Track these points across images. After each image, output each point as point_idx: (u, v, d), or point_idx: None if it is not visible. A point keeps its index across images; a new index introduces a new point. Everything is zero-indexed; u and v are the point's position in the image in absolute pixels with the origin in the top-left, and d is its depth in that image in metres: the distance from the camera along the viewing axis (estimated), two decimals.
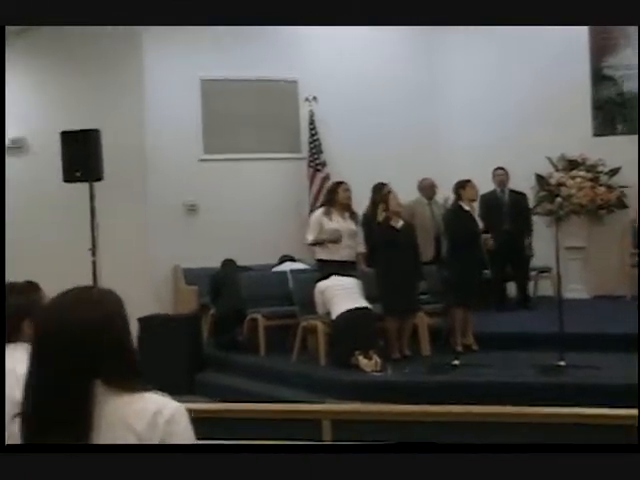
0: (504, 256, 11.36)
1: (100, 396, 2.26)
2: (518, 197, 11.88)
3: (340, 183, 10.20)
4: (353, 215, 10.11)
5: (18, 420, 2.36)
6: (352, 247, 9.96)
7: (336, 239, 9.72)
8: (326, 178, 12.29)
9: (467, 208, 9.68)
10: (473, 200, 9.88)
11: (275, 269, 11.20)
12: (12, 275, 3.78)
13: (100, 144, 10.24)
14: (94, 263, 10.69)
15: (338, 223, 9.85)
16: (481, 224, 9.85)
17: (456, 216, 9.74)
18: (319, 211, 10.13)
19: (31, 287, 3.64)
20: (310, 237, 9.95)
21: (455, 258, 9.54)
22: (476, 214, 9.95)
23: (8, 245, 11.02)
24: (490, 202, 11.53)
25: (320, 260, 10.01)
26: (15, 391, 3.33)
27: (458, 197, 9.74)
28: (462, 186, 9.73)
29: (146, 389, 2.32)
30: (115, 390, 2.28)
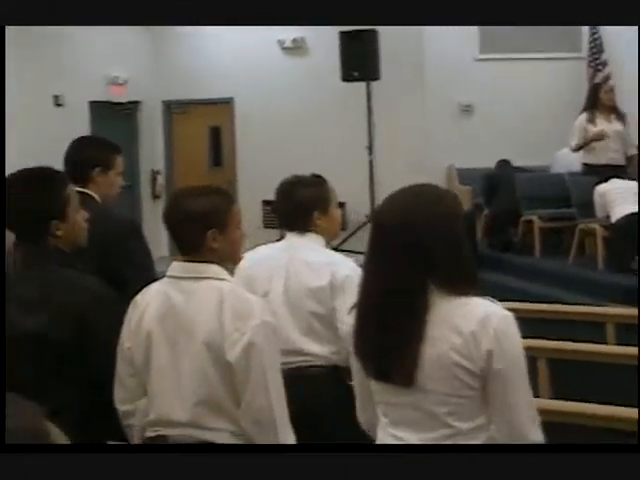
0: None
1: (431, 297, 2.27)
2: None
3: (600, 84, 9.71)
4: (620, 116, 9.60)
5: (354, 312, 2.43)
6: (619, 150, 9.50)
7: (600, 138, 9.32)
8: (607, 78, 11.72)
9: None
10: None
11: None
12: (293, 170, 3.91)
13: (378, 44, 10.32)
14: (370, 162, 10.91)
15: (602, 126, 9.42)
16: None
17: None
18: (582, 116, 9.71)
19: (318, 180, 3.76)
20: (573, 143, 9.61)
21: None
22: None
23: (289, 143, 11.45)
24: None
25: (586, 164, 9.66)
26: (309, 279, 3.51)
27: None
28: None
29: (476, 294, 2.31)
30: (447, 293, 2.27)
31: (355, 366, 2.50)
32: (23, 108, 10.94)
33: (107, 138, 4.07)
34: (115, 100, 12.32)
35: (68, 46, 10.55)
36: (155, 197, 12.81)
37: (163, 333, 2.74)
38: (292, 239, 3.64)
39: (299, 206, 3.60)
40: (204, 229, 2.73)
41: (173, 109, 13.01)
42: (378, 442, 2.46)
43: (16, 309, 2.74)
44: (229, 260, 2.89)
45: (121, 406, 2.83)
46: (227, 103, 12.50)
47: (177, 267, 2.79)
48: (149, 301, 2.80)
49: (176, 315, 2.73)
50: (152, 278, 3.24)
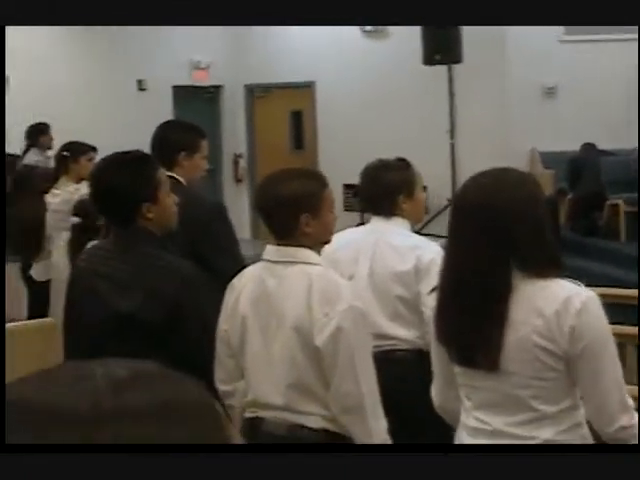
0: None
1: (514, 280, 2.26)
2: None
3: None
4: None
5: (435, 293, 2.45)
6: None
7: None
8: None
9: None
10: None
11: None
12: (374, 154, 3.90)
13: (460, 27, 10.21)
14: (452, 146, 10.83)
15: None
16: None
17: None
18: None
19: (403, 164, 3.74)
20: None
21: None
22: None
23: (370, 126, 11.42)
24: None
25: None
26: (395, 262, 3.51)
27: None
28: None
29: (559, 276, 2.29)
30: (529, 275, 2.26)
31: (435, 349, 2.49)
32: (108, 93, 11.14)
33: (191, 122, 4.11)
34: (197, 84, 12.46)
35: (151, 31, 10.67)
36: (237, 181, 12.93)
37: (256, 317, 2.77)
38: (377, 223, 3.64)
39: (385, 190, 3.59)
40: (297, 213, 2.73)
41: (255, 93, 13.09)
42: (461, 425, 2.46)
43: (109, 290, 2.80)
44: (321, 243, 2.89)
45: (221, 386, 2.87)
46: (308, 87, 12.52)
47: (271, 251, 2.80)
48: (244, 284, 2.82)
49: (268, 299, 2.75)
50: (237, 262, 3.27)
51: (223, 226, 3.51)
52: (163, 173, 2.96)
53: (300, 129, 12.90)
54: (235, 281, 2.87)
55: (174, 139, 3.72)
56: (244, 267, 3.40)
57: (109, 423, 0.80)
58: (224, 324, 2.84)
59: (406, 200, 3.61)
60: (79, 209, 5.46)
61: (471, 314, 2.29)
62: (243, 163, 12.97)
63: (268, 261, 2.80)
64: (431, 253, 3.45)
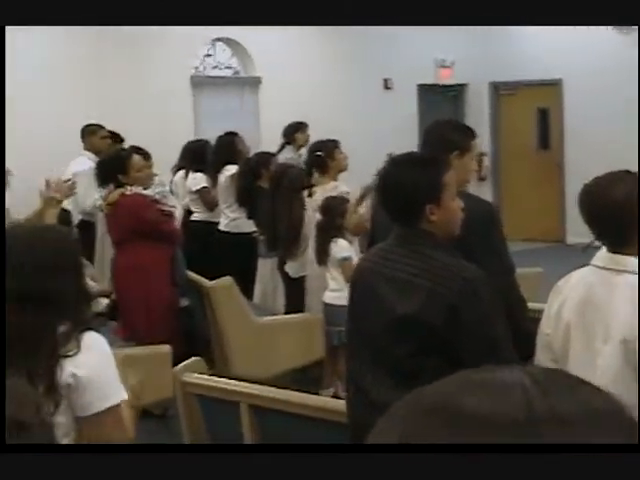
0: None
1: None
2: None
3: None
4: None
5: None
6: None
7: None
8: None
9: None
10: None
11: None
12: (623, 154, 3.75)
13: None
14: None
15: None
16: None
17: None
18: None
19: None
20: None
21: None
22: None
23: (618, 127, 10.99)
24: None
25: None
26: None
27: None
28: None
29: None
30: None
31: None
32: (355, 91, 11.37)
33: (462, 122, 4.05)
34: (442, 83, 12.48)
35: (397, 31, 10.79)
36: (481, 179, 12.87)
37: (581, 324, 2.68)
38: None
39: None
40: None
41: (500, 91, 12.94)
42: None
43: (389, 291, 2.83)
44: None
45: None
46: (556, 84, 12.24)
47: (603, 257, 2.70)
48: (571, 289, 2.74)
49: (595, 307, 2.66)
50: (508, 265, 3.23)
51: (496, 228, 3.47)
52: (451, 176, 2.91)
53: (546, 128, 12.62)
54: (560, 284, 2.80)
55: (448, 138, 3.68)
56: (513, 270, 3.34)
57: (540, 428, 0.77)
58: (547, 328, 2.77)
59: None
60: (323, 208, 5.60)
61: None
62: (487, 161, 12.87)
63: (597, 267, 2.71)
64: None
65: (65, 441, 2.46)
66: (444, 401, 0.77)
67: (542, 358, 2.79)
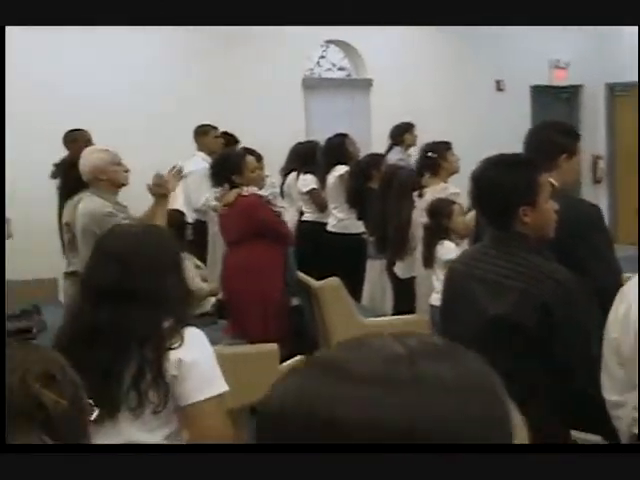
0: None
1: None
2: None
3: None
4: None
5: None
6: None
7: None
8: None
9: None
10: None
11: None
12: None
13: None
14: None
15: None
16: None
17: None
18: None
19: None
20: None
21: None
22: None
23: None
24: None
25: None
26: None
27: None
28: None
29: None
30: None
31: None
32: (467, 92, 11.28)
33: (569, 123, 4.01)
34: (556, 84, 12.27)
35: (510, 32, 10.66)
36: (596, 182, 12.62)
37: None
38: None
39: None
40: None
41: (616, 92, 12.65)
42: None
43: (482, 292, 2.82)
44: None
45: (609, 395, 2.76)
46: None
47: None
48: (636, 294, 2.68)
49: None
50: (613, 268, 3.17)
51: (602, 234, 3.41)
52: (545, 178, 2.90)
53: None
54: (625, 287, 2.77)
55: (556, 141, 3.64)
56: (619, 274, 3.28)
57: (402, 390, 0.85)
58: (613, 332, 2.73)
59: None
60: (430, 210, 5.57)
61: None
62: (602, 164, 12.61)
63: None
64: None
65: (165, 430, 2.56)
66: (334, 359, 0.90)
67: (609, 361, 2.73)
